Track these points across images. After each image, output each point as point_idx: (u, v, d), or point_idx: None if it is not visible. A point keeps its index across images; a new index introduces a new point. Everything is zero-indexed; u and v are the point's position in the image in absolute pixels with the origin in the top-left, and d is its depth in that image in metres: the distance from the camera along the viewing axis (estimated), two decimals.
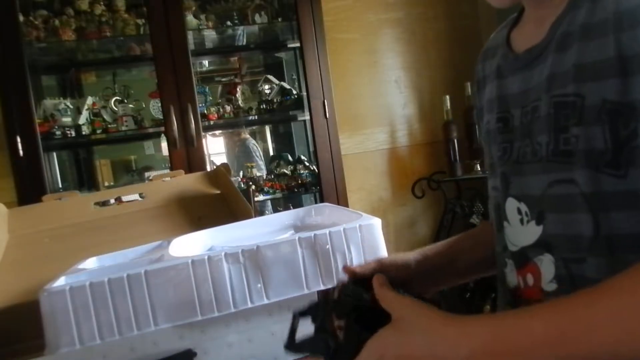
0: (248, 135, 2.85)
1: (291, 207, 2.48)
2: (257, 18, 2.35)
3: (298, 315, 0.68)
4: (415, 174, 2.53)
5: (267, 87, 2.49)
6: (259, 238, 0.84)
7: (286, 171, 2.48)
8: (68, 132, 2.15)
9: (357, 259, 0.77)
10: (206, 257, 0.73)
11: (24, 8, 2.08)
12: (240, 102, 2.42)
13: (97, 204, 1.20)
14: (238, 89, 2.44)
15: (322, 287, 0.76)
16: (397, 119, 2.58)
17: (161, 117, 2.17)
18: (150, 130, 2.30)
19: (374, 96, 2.55)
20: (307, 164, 2.51)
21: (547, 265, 0.60)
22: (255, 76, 2.80)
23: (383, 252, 0.79)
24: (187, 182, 1.24)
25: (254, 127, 2.89)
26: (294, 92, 2.46)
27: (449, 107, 2.43)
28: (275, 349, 0.85)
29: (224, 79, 2.74)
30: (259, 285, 0.74)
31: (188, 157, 2.11)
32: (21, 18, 2.05)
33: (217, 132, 2.83)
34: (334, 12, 2.45)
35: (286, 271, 0.75)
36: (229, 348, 0.83)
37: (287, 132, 2.93)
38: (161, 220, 1.15)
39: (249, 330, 0.84)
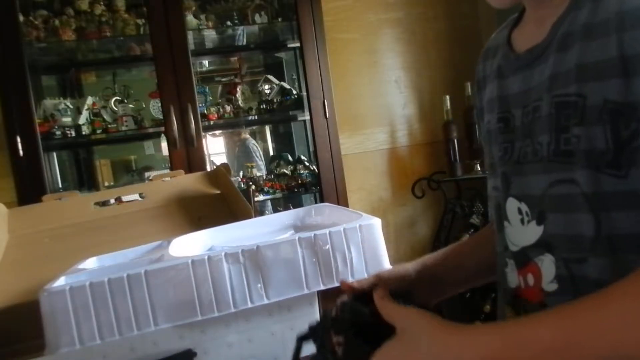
0: (248, 135, 2.85)
1: (291, 207, 2.48)
2: (257, 18, 2.35)
3: (301, 339, 0.68)
4: (415, 174, 2.53)
5: (267, 87, 2.49)
6: (259, 238, 0.84)
7: (286, 171, 2.48)
8: (68, 132, 2.15)
9: (357, 259, 0.77)
10: (206, 257, 0.73)
11: (24, 8, 2.08)
12: (240, 102, 2.42)
13: (97, 204, 1.20)
14: (238, 89, 2.44)
15: (322, 287, 0.76)
16: (397, 119, 2.58)
17: (161, 117, 2.17)
18: (150, 130, 2.30)
19: (374, 96, 2.55)
20: (307, 164, 2.51)
21: (547, 265, 0.60)
22: (255, 76, 2.80)
23: (383, 252, 0.79)
24: (187, 182, 1.24)
25: (254, 127, 2.89)
26: (294, 92, 2.46)
27: (449, 107, 2.43)
28: (275, 349, 0.85)
29: (224, 79, 2.74)
30: (259, 285, 0.74)
31: (188, 157, 2.11)
32: (21, 18, 2.05)
33: (217, 132, 2.83)
34: (334, 12, 2.45)
35: (286, 271, 0.75)
36: (229, 348, 0.83)
37: (287, 132, 2.93)
38: (161, 220, 1.14)
39: (249, 330, 0.84)
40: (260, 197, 2.39)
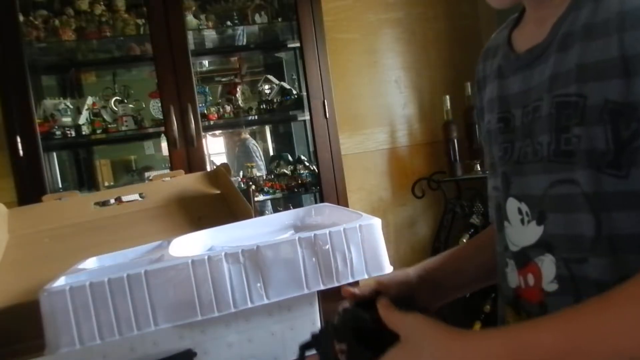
0: (248, 135, 2.85)
1: (291, 207, 2.48)
2: (257, 18, 2.35)
3: (303, 348, 0.68)
4: (415, 174, 2.53)
5: (267, 87, 2.49)
6: (259, 238, 0.84)
7: (286, 171, 2.48)
8: (68, 132, 2.15)
9: (357, 259, 0.77)
10: (206, 257, 0.73)
11: (24, 8, 2.08)
12: (240, 102, 2.42)
13: (97, 204, 1.20)
14: (238, 89, 2.44)
15: (322, 287, 0.76)
16: (397, 119, 2.58)
17: (161, 117, 2.17)
18: (150, 130, 2.30)
19: (374, 96, 2.55)
20: (307, 164, 2.51)
21: (548, 265, 0.60)
22: (255, 76, 2.80)
23: (383, 252, 0.79)
24: (187, 182, 1.24)
25: (254, 127, 2.89)
26: (294, 92, 2.46)
27: (449, 107, 2.43)
28: (275, 349, 0.85)
29: (224, 79, 2.75)
30: (259, 285, 0.74)
31: (188, 157, 2.11)
32: (21, 18, 2.05)
33: (217, 132, 2.83)
34: (334, 12, 2.45)
35: (286, 271, 0.75)
36: (229, 348, 0.83)
37: (287, 132, 2.93)
38: (161, 220, 1.14)
39: (249, 330, 0.84)
40: (260, 197, 2.39)
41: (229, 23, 2.38)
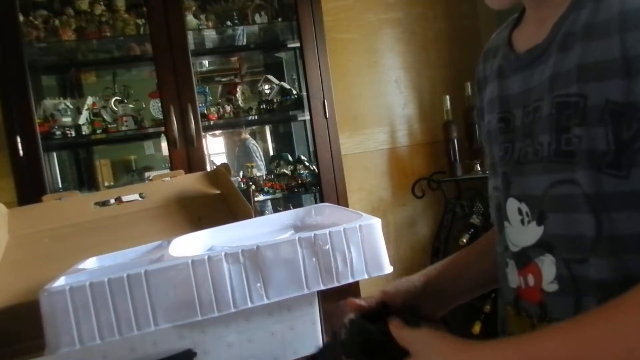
0: (248, 135, 2.85)
1: (291, 207, 2.48)
2: (257, 18, 2.35)
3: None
4: (415, 174, 2.53)
5: (267, 87, 2.49)
6: (259, 238, 0.84)
7: (286, 171, 2.48)
8: (68, 132, 2.15)
9: (357, 259, 0.77)
10: (206, 257, 0.73)
11: (24, 8, 2.08)
12: (240, 102, 2.42)
13: (97, 204, 1.20)
14: (238, 89, 2.44)
15: (322, 287, 0.76)
16: (397, 119, 2.58)
17: (161, 117, 2.17)
18: (150, 130, 2.30)
19: (374, 96, 2.55)
20: (307, 164, 2.51)
21: (548, 265, 0.60)
22: (255, 76, 2.80)
23: (383, 252, 0.79)
24: (187, 182, 1.24)
25: (254, 127, 2.89)
26: (294, 92, 2.46)
27: (449, 107, 2.43)
28: (275, 349, 0.85)
29: (224, 79, 2.75)
30: (259, 285, 0.74)
31: (188, 157, 2.11)
32: (21, 18, 2.05)
33: (217, 132, 2.83)
34: (334, 12, 2.45)
35: (286, 271, 0.75)
36: (229, 348, 0.83)
37: (287, 132, 2.93)
38: (161, 220, 1.14)
39: (249, 330, 0.84)
40: (260, 197, 2.39)
41: (229, 23, 2.38)
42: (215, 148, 2.90)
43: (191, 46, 2.24)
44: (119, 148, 2.70)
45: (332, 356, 0.66)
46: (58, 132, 2.14)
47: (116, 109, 2.27)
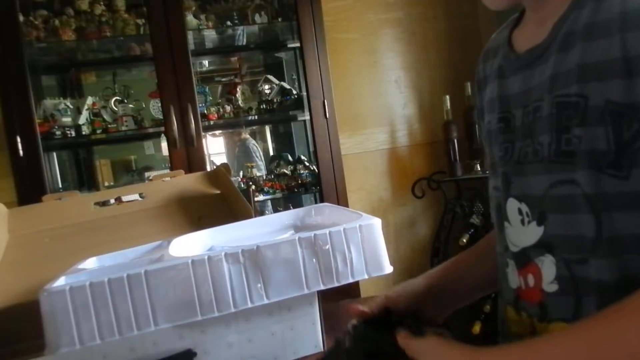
0: (248, 135, 2.85)
1: (291, 207, 2.48)
2: (257, 18, 2.35)
3: None
4: (415, 174, 2.53)
5: (267, 87, 2.49)
6: (259, 238, 0.84)
7: (286, 171, 2.48)
8: (68, 132, 2.15)
9: (357, 259, 0.77)
10: (206, 257, 0.73)
11: (24, 8, 2.08)
12: (240, 102, 2.42)
13: (97, 204, 1.20)
14: (238, 89, 2.44)
15: (322, 287, 0.76)
16: (397, 119, 2.58)
17: (161, 117, 2.17)
18: (150, 130, 2.30)
19: (374, 96, 2.55)
20: (307, 164, 2.51)
21: (548, 266, 0.60)
22: (255, 76, 2.80)
23: (383, 252, 0.79)
24: (187, 182, 1.24)
25: (254, 127, 2.89)
26: (294, 92, 2.46)
27: (449, 107, 2.43)
28: (275, 349, 0.85)
29: (224, 79, 2.75)
30: (259, 285, 0.74)
31: (188, 157, 2.11)
32: (21, 18, 2.05)
33: (217, 132, 2.83)
34: (334, 12, 2.45)
35: (286, 271, 0.75)
36: (229, 348, 0.83)
37: (287, 132, 2.93)
38: (161, 220, 1.14)
39: (249, 330, 0.84)
40: (260, 197, 2.39)
41: (229, 23, 2.38)
42: (215, 148, 2.90)
43: (191, 46, 2.24)
44: (119, 148, 2.70)
45: None
46: (58, 132, 2.14)
47: (116, 109, 2.27)
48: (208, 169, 2.15)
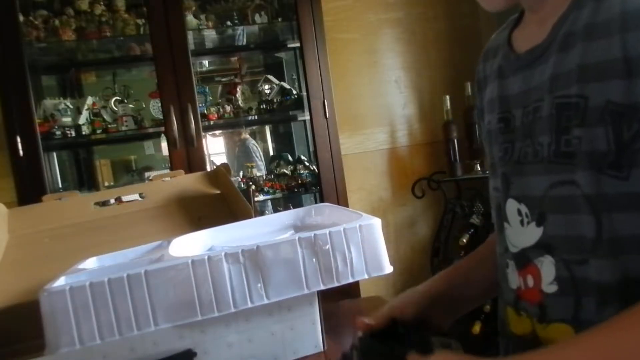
0: (248, 135, 2.85)
1: (291, 207, 2.48)
2: (257, 18, 2.35)
3: None
4: (415, 174, 2.53)
5: (267, 87, 2.49)
6: (259, 238, 0.84)
7: (286, 171, 2.48)
8: (68, 132, 2.15)
9: (357, 259, 0.77)
10: (206, 257, 0.73)
11: (24, 8, 2.08)
12: (240, 102, 2.42)
13: (97, 204, 1.20)
14: (238, 89, 2.44)
15: (322, 287, 0.76)
16: (397, 119, 2.58)
17: (161, 117, 2.17)
18: (150, 130, 2.30)
19: (374, 96, 2.55)
20: (307, 164, 2.51)
21: (547, 266, 0.60)
22: (255, 76, 2.80)
23: (383, 252, 0.79)
24: (187, 182, 1.24)
25: (254, 127, 2.89)
26: (294, 92, 2.46)
27: (449, 107, 2.43)
28: (275, 349, 0.85)
29: (224, 79, 2.74)
30: (259, 285, 0.74)
31: (188, 157, 2.11)
32: (21, 18, 2.05)
33: (217, 132, 2.83)
34: (334, 12, 2.45)
35: (286, 271, 0.75)
36: (229, 348, 0.83)
37: (287, 132, 2.93)
38: (161, 220, 1.14)
39: (249, 330, 0.84)
40: (260, 197, 2.39)
41: (229, 23, 2.38)
42: (215, 148, 2.90)
43: (191, 46, 2.24)
44: (119, 148, 2.70)
45: None
46: (58, 132, 2.14)
47: (116, 109, 2.27)
48: (208, 169, 2.15)
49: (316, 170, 2.35)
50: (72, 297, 0.68)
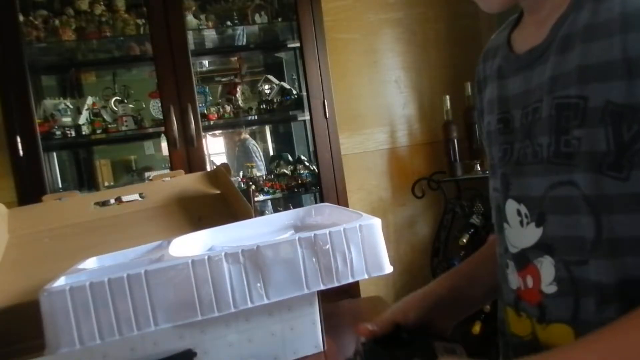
0: (248, 136, 2.85)
1: (291, 207, 2.48)
2: (257, 18, 2.35)
3: None
4: (415, 174, 2.53)
5: (267, 87, 2.49)
6: (259, 238, 0.84)
7: (286, 171, 2.48)
8: (68, 132, 2.15)
9: (357, 259, 0.77)
10: (206, 257, 0.73)
11: (24, 8, 2.08)
12: (240, 102, 2.42)
13: (97, 204, 1.20)
14: (238, 89, 2.44)
15: (322, 287, 0.76)
16: (397, 119, 2.58)
17: (161, 117, 2.17)
18: (150, 130, 2.30)
19: (374, 96, 2.55)
20: (307, 164, 2.51)
21: (546, 267, 0.60)
22: (255, 76, 2.80)
23: (383, 252, 0.79)
24: (187, 182, 1.24)
25: (254, 127, 2.89)
26: (294, 92, 2.46)
27: (449, 107, 2.43)
28: (275, 349, 0.85)
29: (224, 79, 2.74)
30: (259, 285, 0.74)
31: (188, 157, 2.11)
32: (21, 18, 2.05)
33: (217, 132, 2.83)
34: (334, 12, 2.45)
35: (286, 271, 0.75)
36: (229, 348, 0.83)
37: (287, 132, 2.93)
38: (161, 220, 1.14)
39: (249, 330, 0.84)
40: (260, 197, 2.39)
41: (229, 23, 2.38)
42: (215, 148, 2.90)
43: (191, 46, 2.24)
44: (119, 148, 2.70)
45: None
46: (58, 132, 2.14)
47: (116, 109, 2.27)
48: (208, 169, 2.15)
49: (316, 170, 2.35)
50: (72, 297, 0.68)
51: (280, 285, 0.75)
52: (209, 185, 1.24)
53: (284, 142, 2.94)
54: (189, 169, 2.01)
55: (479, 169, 2.35)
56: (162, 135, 2.28)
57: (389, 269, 0.79)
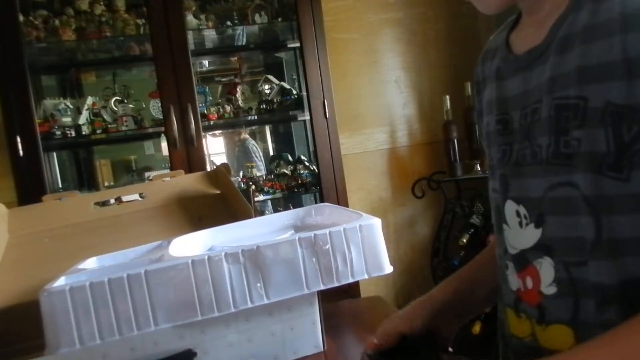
0: (248, 136, 2.85)
1: (291, 207, 2.48)
2: (257, 18, 2.35)
3: None
4: (415, 174, 2.53)
5: (267, 87, 2.49)
6: (259, 238, 0.84)
7: (286, 171, 2.48)
8: (68, 132, 2.15)
9: (357, 259, 0.77)
10: (206, 257, 0.73)
11: (24, 8, 2.08)
12: (240, 102, 2.42)
13: (97, 204, 1.20)
14: (238, 89, 2.44)
15: (322, 287, 0.76)
16: (397, 119, 2.58)
17: (161, 117, 2.17)
18: (150, 130, 2.30)
19: (374, 96, 2.55)
20: (307, 164, 2.51)
21: (546, 268, 0.60)
22: (255, 76, 2.80)
23: (383, 252, 0.79)
24: (187, 182, 1.24)
25: (254, 127, 2.89)
26: (294, 92, 2.46)
27: (449, 107, 2.43)
28: (275, 349, 0.85)
29: (224, 79, 2.74)
30: (259, 285, 0.74)
31: (188, 157, 2.11)
32: (21, 18, 2.05)
33: (217, 132, 2.83)
34: (334, 12, 2.45)
35: (286, 271, 0.75)
36: (229, 348, 0.83)
37: (287, 132, 2.93)
38: (161, 220, 1.14)
39: (249, 330, 0.84)
40: (260, 197, 2.39)
41: (229, 23, 2.38)
42: (215, 148, 2.90)
43: (191, 46, 2.24)
44: (119, 148, 2.70)
45: None
46: (58, 132, 2.14)
47: (116, 109, 2.27)
48: (208, 169, 2.15)
49: (316, 170, 2.35)
50: (72, 297, 0.68)
51: (280, 285, 0.75)
52: (209, 185, 1.24)
53: (284, 142, 2.94)
54: (189, 169, 2.01)
55: (479, 169, 2.35)
56: (162, 135, 2.28)
57: (389, 269, 0.79)
